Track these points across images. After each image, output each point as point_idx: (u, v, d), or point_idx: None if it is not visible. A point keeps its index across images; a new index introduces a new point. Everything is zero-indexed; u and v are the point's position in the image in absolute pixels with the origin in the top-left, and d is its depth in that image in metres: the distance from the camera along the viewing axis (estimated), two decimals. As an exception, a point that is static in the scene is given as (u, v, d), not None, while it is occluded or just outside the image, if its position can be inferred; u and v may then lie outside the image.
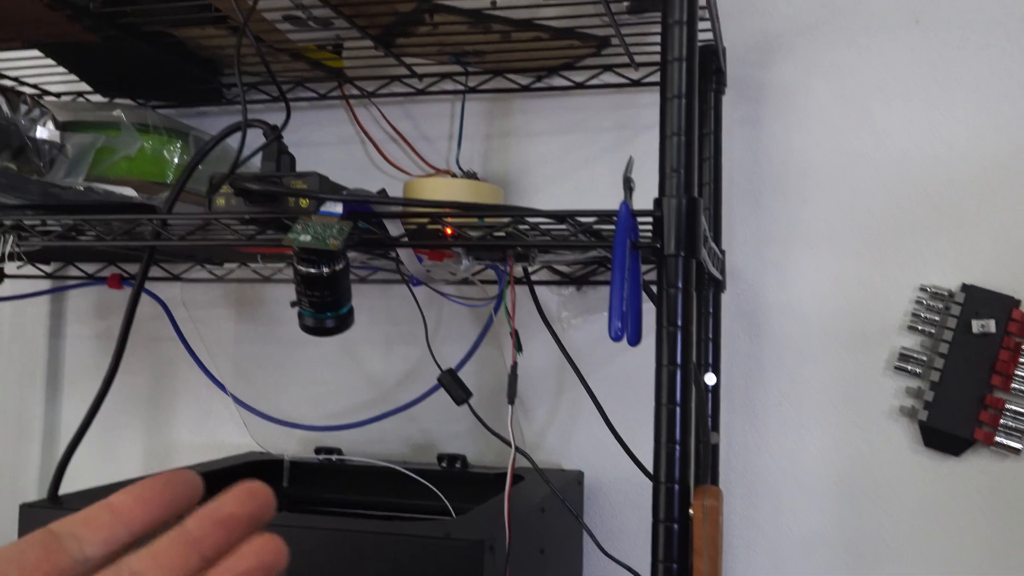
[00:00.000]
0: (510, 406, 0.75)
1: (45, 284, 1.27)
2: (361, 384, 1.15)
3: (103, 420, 1.24)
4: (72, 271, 1.26)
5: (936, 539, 0.97)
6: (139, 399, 1.24)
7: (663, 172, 0.69)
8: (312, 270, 0.69)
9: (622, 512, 1.05)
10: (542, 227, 0.78)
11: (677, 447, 0.68)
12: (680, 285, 0.68)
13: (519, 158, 1.11)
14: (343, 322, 0.73)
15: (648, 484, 1.04)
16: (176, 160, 1.03)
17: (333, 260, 0.69)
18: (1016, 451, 0.94)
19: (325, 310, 0.71)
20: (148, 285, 1.19)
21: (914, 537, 0.97)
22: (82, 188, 0.91)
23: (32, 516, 0.77)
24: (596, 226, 0.74)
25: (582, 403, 1.08)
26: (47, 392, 1.29)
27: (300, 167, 0.81)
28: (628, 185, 0.69)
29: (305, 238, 0.67)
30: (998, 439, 0.94)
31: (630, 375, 1.06)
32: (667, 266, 0.69)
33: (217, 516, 0.32)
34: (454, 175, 1.08)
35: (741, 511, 1.02)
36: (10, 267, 1.19)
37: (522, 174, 1.10)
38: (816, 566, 1.00)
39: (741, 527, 1.02)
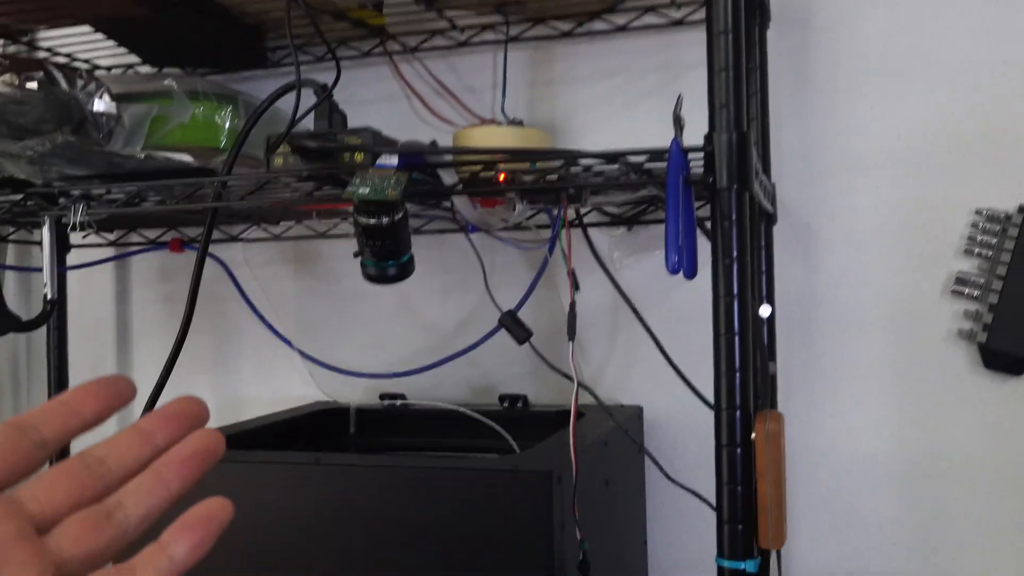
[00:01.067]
0: (571, 342, 0.76)
1: (109, 252, 1.31)
2: (419, 333, 1.18)
3: (171, 379, 1.28)
4: (134, 238, 1.30)
5: (996, 457, 0.98)
6: (205, 358, 1.28)
7: (712, 107, 0.70)
8: (372, 221, 0.71)
9: (682, 443, 1.07)
10: (594, 168, 0.79)
11: (737, 374, 0.70)
12: (734, 217, 0.69)
13: (564, 104, 1.11)
14: (404, 270, 0.75)
15: (708, 415, 1.06)
16: (227, 125, 1.05)
17: (392, 210, 0.71)
18: (1076, 368, 0.94)
19: (386, 258, 0.73)
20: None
21: (974, 456, 0.98)
22: (142, 157, 0.93)
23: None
24: (647, 164, 0.75)
25: (637, 341, 1.09)
26: (118, 356, 1.34)
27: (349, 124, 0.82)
28: (678, 123, 0.70)
29: (364, 191, 0.70)
30: (1058, 357, 0.94)
31: (684, 311, 1.07)
32: (720, 199, 0.70)
33: (165, 414, 0.38)
34: (499, 123, 1.10)
35: (800, 436, 1.03)
36: (75, 237, 1.23)
37: (568, 119, 1.11)
38: (875, 487, 1.01)
39: (801, 451, 1.03)
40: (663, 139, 1.05)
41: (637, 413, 1.05)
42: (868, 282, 1.02)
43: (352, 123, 0.83)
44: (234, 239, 1.25)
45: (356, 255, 0.74)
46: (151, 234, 1.29)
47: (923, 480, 1.00)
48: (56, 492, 0.35)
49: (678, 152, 0.68)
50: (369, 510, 0.74)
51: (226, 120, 1.05)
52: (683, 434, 1.08)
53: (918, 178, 1.00)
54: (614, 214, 1.08)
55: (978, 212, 0.98)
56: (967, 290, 0.98)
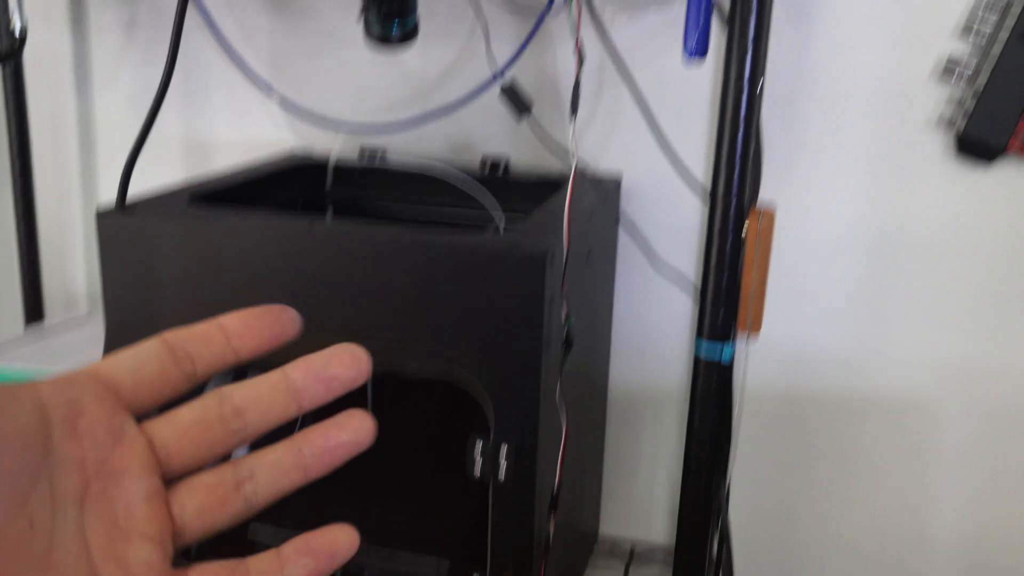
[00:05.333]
0: (572, 118, 0.75)
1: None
2: (399, 80, 1.14)
3: (139, 115, 1.24)
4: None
5: (955, 243, 1.02)
6: (172, 94, 1.23)
7: None
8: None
9: (656, 213, 1.09)
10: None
11: (737, 166, 0.70)
12: (754, 6, 0.67)
13: None
14: (408, 34, 0.72)
15: (687, 187, 1.08)
16: None
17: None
18: (1048, 162, 0.96)
19: (391, 18, 0.70)
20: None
21: (934, 241, 1.02)
22: None
23: (108, 223, 0.80)
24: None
25: (621, 105, 1.08)
26: (76, 85, 1.28)
27: None
28: None
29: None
30: (1032, 150, 0.96)
31: (671, 77, 1.05)
32: (742, -17, 0.67)
33: (322, 374, 0.33)
34: None
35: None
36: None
37: None
38: (833, 264, 1.06)
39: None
40: None
41: (617, 183, 1.06)
42: (858, 60, 1.00)
43: None
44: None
45: (362, 11, 0.70)
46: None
47: (880, 259, 1.04)
48: (186, 444, 0.31)
49: (706, -70, 0.64)
50: (359, 277, 0.75)
51: None
52: (658, 203, 1.09)
53: (928, -46, 0.96)
54: (610, -31, 1.03)
55: (982, -5, 0.96)
56: (955, 75, 0.98)
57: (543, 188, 1.01)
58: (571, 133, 0.76)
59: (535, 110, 1.05)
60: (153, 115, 0.83)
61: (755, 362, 1.11)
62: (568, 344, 0.76)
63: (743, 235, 0.70)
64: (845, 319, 1.07)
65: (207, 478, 0.31)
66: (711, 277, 0.73)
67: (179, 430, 0.31)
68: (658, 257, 0.95)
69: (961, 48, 0.98)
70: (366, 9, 0.70)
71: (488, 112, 1.10)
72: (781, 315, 1.09)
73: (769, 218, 0.71)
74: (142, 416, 0.31)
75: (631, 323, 1.14)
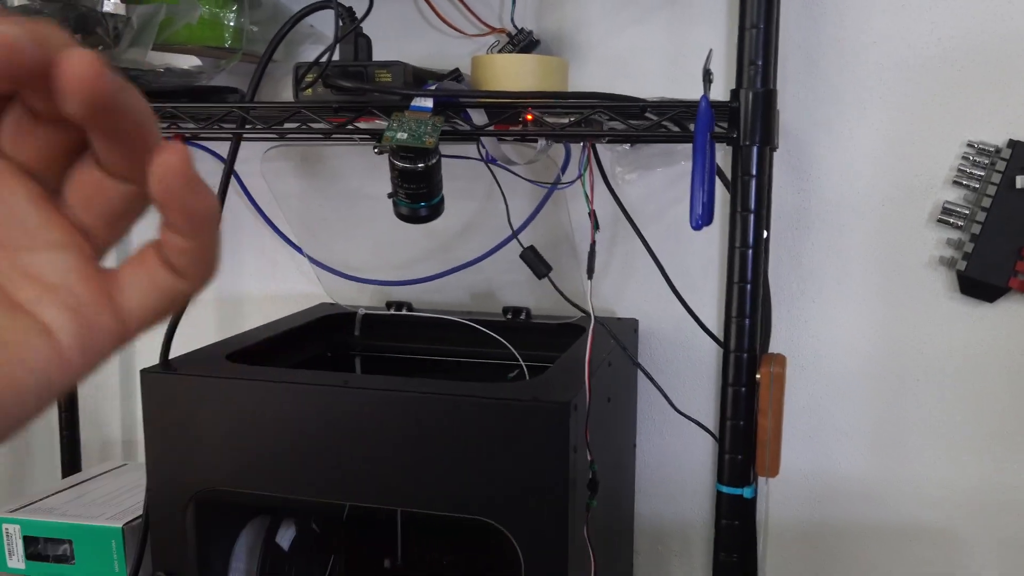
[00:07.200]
0: (588, 280, 0.81)
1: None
2: (421, 237, 1.21)
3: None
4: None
5: (962, 376, 1.05)
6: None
7: (741, 64, 0.72)
8: (408, 165, 0.73)
9: (673, 354, 1.14)
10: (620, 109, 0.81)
11: (747, 320, 0.75)
12: (754, 172, 0.73)
13: (573, 15, 1.11)
14: (435, 211, 0.78)
15: (698, 329, 1.12)
16: (232, 24, 1.05)
17: (428, 156, 0.73)
18: (1046, 298, 1.00)
19: (419, 200, 0.76)
20: (207, 142, 1.23)
21: (945, 374, 1.06)
22: (161, 71, 0.93)
23: (152, 380, 0.85)
24: (668, 105, 0.78)
25: (635, 254, 1.14)
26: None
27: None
28: (707, 78, 0.72)
29: (402, 136, 0.72)
30: (1031, 288, 1.00)
31: (681, 227, 1.12)
32: (743, 155, 0.73)
33: None
34: (509, 34, 1.10)
35: (784, 349, 1.10)
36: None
37: (576, 31, 1.11)
38: (849, 398, 1.09)
39: (784, 367, 1.10)
40: (671, 56, 1.07)
41: (634, 327, 1.10)
42: (858, 207, 1.06)
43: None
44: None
45: (389, 196, 0.77)
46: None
47: (894, 394, 1.08)
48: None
49: (707, 111, 0.71)
50: (390, 428, 0.79)
51: (230, 20, 1.05)
52: (675, 345, 1.14)
53: (914, 109, 1.03)
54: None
55: (970, 145, 1.02)
56: (952, 219, 1.03)
57: (565, 333, 1.06)
58: (588, 294, 0.81)
59: (554, 261, 1.11)
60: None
61: (778, 495, 1.13)
62: (594, 487, 0.79)
63: (756, 381, 0.74)
64: (864, 451, 1.10)
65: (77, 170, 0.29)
66: (727, 426, 0.76)
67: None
68: (677, 400, 0.99)
69: (955, 194, 1.04)
70: (395, 193, 0.76)
71: (508, 263, 1.16)
72: (802, 449, 1.12)
73: (781, 364, 0.75)
74: None
75: (654, 459, 1.17)
